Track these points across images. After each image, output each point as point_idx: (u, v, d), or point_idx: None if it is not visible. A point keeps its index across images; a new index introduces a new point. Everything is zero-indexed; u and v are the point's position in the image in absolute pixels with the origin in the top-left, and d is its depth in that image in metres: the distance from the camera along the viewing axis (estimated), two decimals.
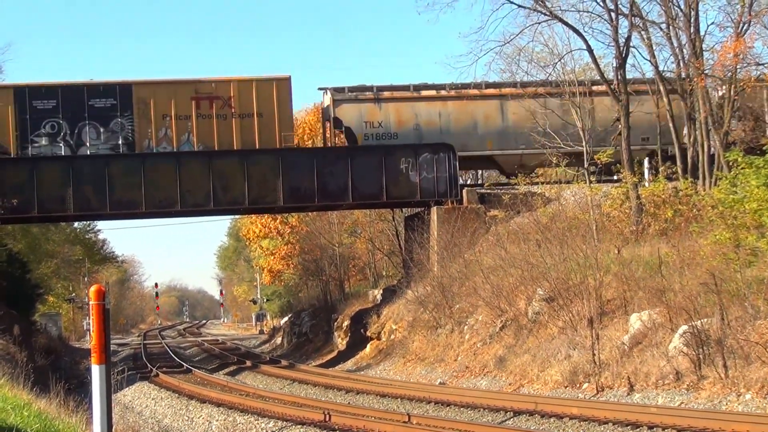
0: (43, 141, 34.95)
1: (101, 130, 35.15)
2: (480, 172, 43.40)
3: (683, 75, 30.42)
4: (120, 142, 35.21)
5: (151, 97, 35.45)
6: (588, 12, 30.73)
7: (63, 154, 34.84)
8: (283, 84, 36.14)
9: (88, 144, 35.12)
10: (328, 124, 37.73)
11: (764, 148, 21.47)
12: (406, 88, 36.94)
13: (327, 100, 37.24)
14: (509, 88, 35.88)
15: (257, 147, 35.23)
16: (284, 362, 37.31)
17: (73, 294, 71.76)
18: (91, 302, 9.10)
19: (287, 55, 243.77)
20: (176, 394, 25.80)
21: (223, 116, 35.64)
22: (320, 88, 37.96)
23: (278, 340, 55.78)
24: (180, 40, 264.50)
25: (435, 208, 34.87)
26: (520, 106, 35.43)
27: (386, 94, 36.62)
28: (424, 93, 36.84)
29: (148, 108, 35.22)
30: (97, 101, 35.13)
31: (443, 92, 36.49)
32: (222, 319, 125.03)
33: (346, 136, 37.10)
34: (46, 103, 34.82)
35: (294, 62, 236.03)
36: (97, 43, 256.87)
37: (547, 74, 32.94)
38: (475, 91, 35.66)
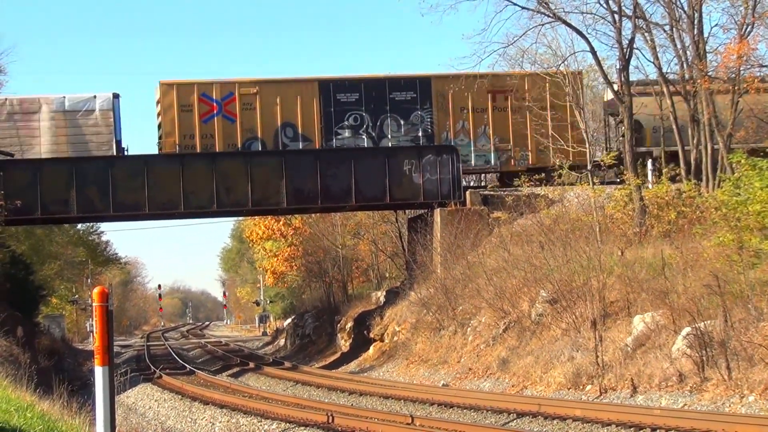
0: (347, 133, 36.33)
1: (401, 122, 36.36)
2: (483, 174, 43.28)
3: (687, 77, 30.37)
4: (419, 134, 36.35)
5: (449, 90, 35.99)
6: (591, 14, 30.69)
7: (366, 146, 36.14)
8: (577, 78, 36.19)
9: (389, 136, 36.43)
10: (612, 119, 37.65)
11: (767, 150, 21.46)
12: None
13: (610, 93, 37.05)
14: None
15: (550, 141, 34.76)
16: (287, 364, 37.31)
17: (77, 295, 71.76)
18: (94, 304, 9.12)
19: (285, 55, 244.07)
20: (179, 396, 25.79)
21: (518, 109, 36.03)
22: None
23: (281, 341, 55.78)
24: (181, 40, 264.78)
25: (438, 209, 34.82)
26: None
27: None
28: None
29: (446, 101, 36.04)
30: (397, 94, 36.18)
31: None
32: (225, 321, 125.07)
33: (635, 130, 36.75)
34: (349, 96, 35.96)
35: (292, 62, 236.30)
36: (99, 43, 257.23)
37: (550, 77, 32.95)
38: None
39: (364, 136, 36.48)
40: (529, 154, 37.32)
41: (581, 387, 20.65)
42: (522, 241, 29.83)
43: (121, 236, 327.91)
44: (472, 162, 37.51)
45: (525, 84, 36.08)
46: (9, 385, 17.72)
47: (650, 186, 30.73)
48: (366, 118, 36.37)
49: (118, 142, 35.48)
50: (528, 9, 30.69)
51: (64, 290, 72.10)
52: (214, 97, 36.08)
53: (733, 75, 28.72)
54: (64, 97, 35.33)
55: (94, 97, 35.29)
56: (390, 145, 36.39)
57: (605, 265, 23.73)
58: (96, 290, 9.17)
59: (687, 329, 18.94)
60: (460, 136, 36.76)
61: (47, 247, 61.16)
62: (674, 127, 31.17)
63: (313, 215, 50.21)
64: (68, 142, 35.01)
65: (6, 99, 35.29)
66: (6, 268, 38.17)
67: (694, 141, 30.22)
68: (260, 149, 35.88)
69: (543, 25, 30.72)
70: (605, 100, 37.80)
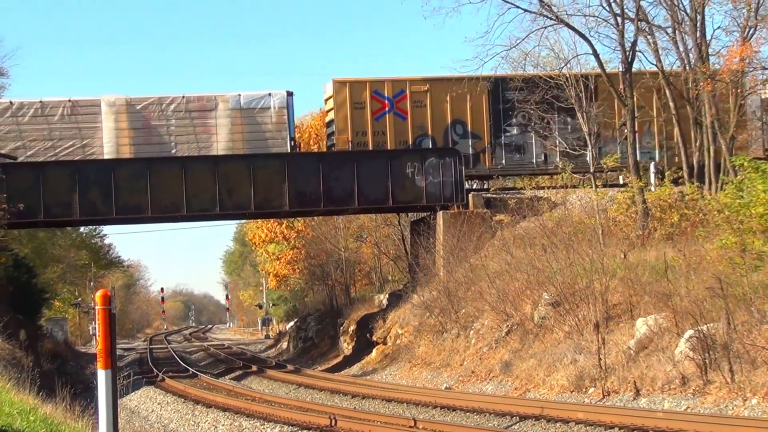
0: (515, 131, 36.88)
1: (568, 120, 36.37)
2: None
3: (689, 79, 30.36)
4: (586, 131, 35.95)
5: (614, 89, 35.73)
6: (594, 16, 30.71)
7: (533, 143, 36.62)
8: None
9: (556, 134, 36.63)
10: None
11: None
12: None
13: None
14: None
15: (707, 137, 33.28)
16: (290, 367, 37.31)
17: (79, 299, 71.82)
18: (97, 307, 9.11)
19: (285, 58, 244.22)
20: (182, 399, 25.81)
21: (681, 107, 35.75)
22: None
23: (284, 344, 55.76)
24: (183, 43, 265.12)
25: (441, 212, 34.82)
26: None
27: None
28: None
29: (611, 99, 34.92)
30: (563, 92, 35.72)
31: None
32: (228, 324, 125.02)
33: None
34: (518, 94, 35.65)
35: (292, 65, 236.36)
36: (102, 46, 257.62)
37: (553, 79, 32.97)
38: None
39: (531, 134, 36.84)
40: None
41: (584, 390, 20.63)
42: (525, 244, 29.82)
43: (124, 239, 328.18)
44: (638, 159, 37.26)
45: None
46: (12, 388, 17.73)
47: (653, 189, 30.72)
48: (534, 116, 36.59)
49: (292, 140, 35.89)
50: (530, 12, 30.73)
51: (66, 293, 72.17)
52: (386, 95, 36.47)
53: (736, 78, 28.72)
54: (239, 94, 35.61)
55: (269, 94, 35.62)
56: (557, 142, 36.67)
57: (608, 268, 23.70)
58: (99, 293, 9.17)
59: (690, 332, 18.92)
60: (625, 134, 36.44)
61: (50, 250, 61.26)
62: (677, 130, 31.15)
63: (315, 218, 50.21)
64: (244, 139, 35.42)
65: (183, 96, 35.49)
66: (9, 271, 38.18)
67: (697, 143, 30.21)
68: (430, 146, 36.23)
69: (545, 27, 30.76)
70: (762, 98, 37.32)
